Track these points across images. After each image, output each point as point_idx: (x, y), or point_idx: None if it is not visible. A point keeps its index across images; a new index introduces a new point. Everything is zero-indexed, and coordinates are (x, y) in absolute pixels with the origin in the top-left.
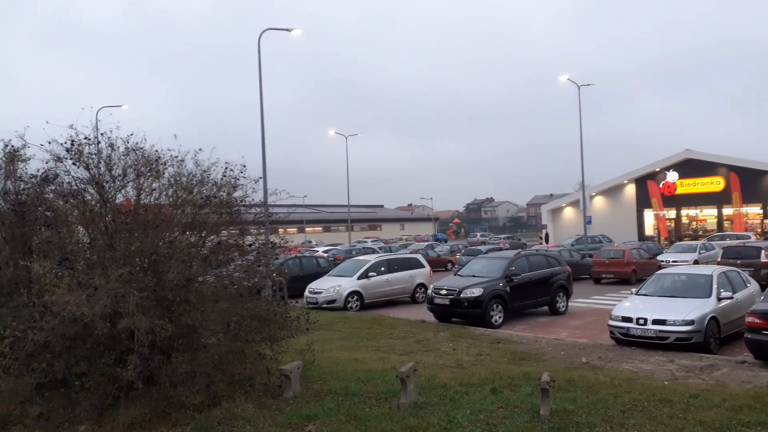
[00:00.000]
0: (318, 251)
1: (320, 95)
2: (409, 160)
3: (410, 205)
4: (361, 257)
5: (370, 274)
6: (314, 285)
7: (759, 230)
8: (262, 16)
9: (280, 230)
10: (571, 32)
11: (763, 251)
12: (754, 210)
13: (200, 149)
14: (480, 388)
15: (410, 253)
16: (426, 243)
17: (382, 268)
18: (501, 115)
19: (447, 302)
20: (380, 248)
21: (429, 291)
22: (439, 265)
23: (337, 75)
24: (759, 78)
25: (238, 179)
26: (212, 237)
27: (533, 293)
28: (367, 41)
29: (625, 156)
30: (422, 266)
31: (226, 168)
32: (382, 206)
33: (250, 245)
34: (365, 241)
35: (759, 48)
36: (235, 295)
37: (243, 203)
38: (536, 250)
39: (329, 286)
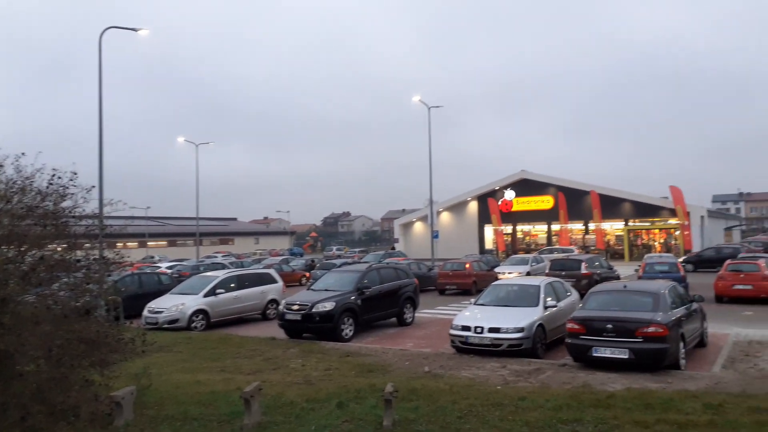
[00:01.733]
0: (161, 267)
1: (169, 102)
2: (265, 173)
3: (266, 218)
4: (208, 273)
5: (218, 291)
6: (154, 304)
7: (581, 244)
8: (108, 15)
9: (119, 244)
10: (423, 58)
11: (583, 263)
12: (578, 226)
13: (23, 153)
14: (327, 403)
15: (264, 268)
16: (281, 257)
17: (232, 285)
18: (358, 131)
19: (299, 318)
20: (231, 263)
21: (280, 307)
22: (293, 280)
23: (188, 82)
24: (584, 108)
25: (68, 187)
26: (34, 251)
27: (383, 305)
28: (221, 52)
29: (470, 175)
30: (275, 281)
31: (54, 175)
32: (235, 219)
33: (78, 261)
34: (215, 256)
35: (584, 82)
36: (60, 316)
37: (72, 214)
38: (387, 263)
39: (171, 305)
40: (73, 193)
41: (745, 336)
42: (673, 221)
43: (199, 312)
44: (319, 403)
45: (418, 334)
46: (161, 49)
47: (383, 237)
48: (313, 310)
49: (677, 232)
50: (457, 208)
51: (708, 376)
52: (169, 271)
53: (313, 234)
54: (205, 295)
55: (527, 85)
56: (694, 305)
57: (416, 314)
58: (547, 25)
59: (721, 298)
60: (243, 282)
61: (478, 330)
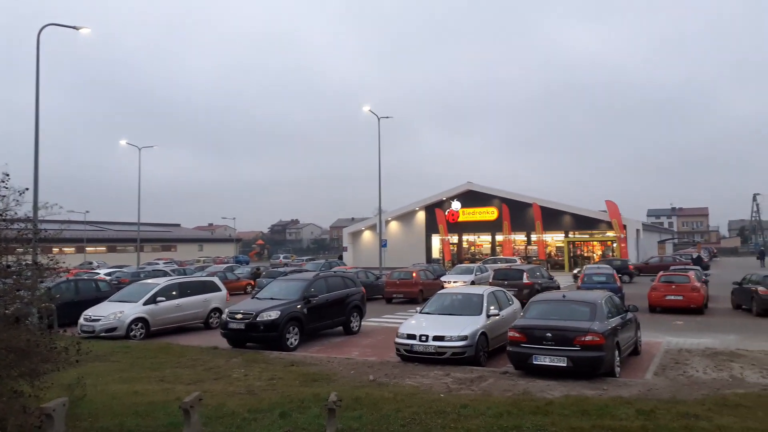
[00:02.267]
0: (99, 273)
1: (111, 104)
2: (211, 179)
3: (211, 225)
4: (149, 280)
5: (159, 298)
6: (91, 311)
7: (523, 255)
8: (48, 12)
9: (55, 249)
10: (370, 69)
11: (525, 273)
12: (520, 237)
13: None
14: (269, 413)
15: (207, 275)
16: (225, 265)
17: (173, 292)
18: (307, 140)
19: (242, 327)
20: (173, 270)
21: (224, 316)
22: (238, 288)
23: (131, 84)
24: (526, 124)
25: None
26: None
27: (330, 314)
28: (165, 55)
29: (418, 185)
30: (218, 290)
31: None
32: (178, 225)
33: (9, 266)
34: (157, 263)
35: (525, 98)
36: None
37: (3, 217)
38: (334, 272)
39: (109, 313)
40: (4, 195)
41: (675, 344)
42: (610, 234)
43: (138, 320)
44: (261, 413)
45: (364, 343)
46: (103, 49)
47: (332, 245)
48: (258, 319)
49: (614, 245)
50: (406, 217)
51: (641, 383)
52: (107, 277)
53: (260, 242)
54: (145, 303)
55: (471, 100)
56: (629, 315)
57: (363, 323)
58: (488, 42)
59: (654, 308)
60: (185, 290)
61: (423, 338)
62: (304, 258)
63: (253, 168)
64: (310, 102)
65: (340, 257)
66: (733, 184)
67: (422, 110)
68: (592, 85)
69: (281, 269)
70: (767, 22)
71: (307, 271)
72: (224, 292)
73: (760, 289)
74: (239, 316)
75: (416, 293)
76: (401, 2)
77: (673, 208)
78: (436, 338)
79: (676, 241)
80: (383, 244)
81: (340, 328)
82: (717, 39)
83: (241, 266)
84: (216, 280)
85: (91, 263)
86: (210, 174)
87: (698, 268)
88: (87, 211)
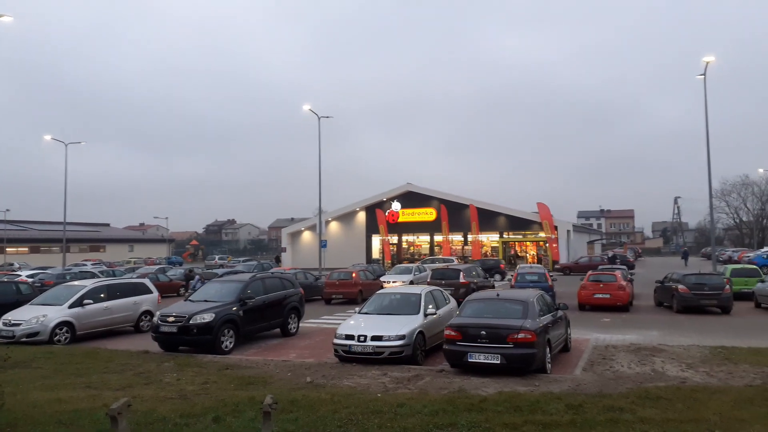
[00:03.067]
0: (21, 275)
1: (36, 98)
2: (142, 177)
3: (142, 224)
4: (75, 282)
5: (86, 301)
6: (11, 315)
7: (460, 255)
8: None
9: None
10: (310, 69)
11: (461, 273)
12: (458, 237)
13: None
14: (202, 417)
15: (138, 277)
16: (157, 266)
17: (101, 295)
18: (244, 138)
19: (174, 330)
20: (102, 272)
21: (155, 319)
22: (170, 290)
23: (58, 78)
24: (463, 127)
25: None
26: None
27: (267, 316)
28: (96, 49)
29: (359, 186)
30: (149, 292)
31: None
32: (108, 225)
33: None
34: (84, 264)
35: (462, 101)
36: None
37: None
38: (272, 273)
39: (31, 317)
40: None
41: (603, 341)
42: (543, 234)
43: (63, 324)
44: (193, 418)
45: (302, 345)
46: (29, 40)
47: (270, 246)
48: (191, 321)
49: (546, 245)
50: (346, 218)
51: (570, 379)
52: (30, 279)
53: (194, 242)
54: (71, 306)
55: (410, 102)
56: (560, 313)
57: (301, 324)
58: (426, 45)
59: (583, 306)
60: (114, 292)
61: (362, 339)
62: (240, 259)
63: (188, 167)
64: (247, 100)
65: (276, 258)
66: (656, 187)
67: (362, 111)
68: (526, 89)
69: (216, 271)
70: (685, 32)
71: (241, 272)
72: (155, 294)
73: (680, 287)
74: (171, 318)
75: (356, 294)
76: (340, 3)
77: (602, 210)
78: (374, 338)
79: (604, 241)
80: (323, 244)
81: (278, 330)
82: (640, 47)
83: (174, 267)
84: (147, 281)
85: (12, 264)
86: (142, 172)
87: (623, 267)
88: (7, 210)
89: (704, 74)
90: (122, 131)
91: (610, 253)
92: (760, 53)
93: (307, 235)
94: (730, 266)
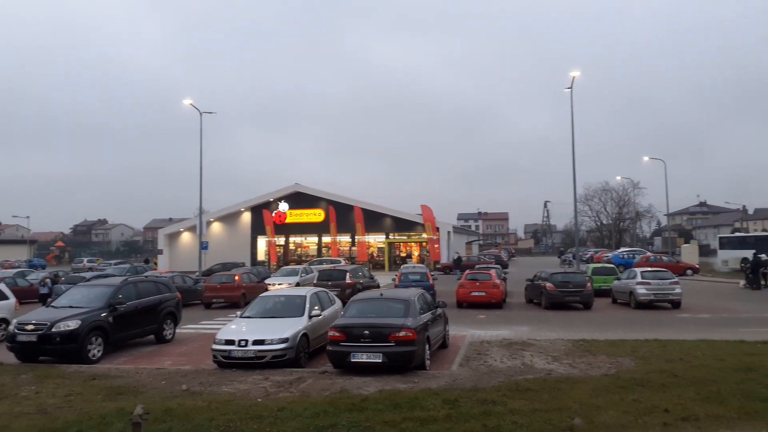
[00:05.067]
0: None
1: None
2: None
3: None
4: None
5: None
6: None
7: (348, 256)
8: None
9: None
10: (189, 66)
11: (348, 273)
12: (345, 239)
13: None
14: None
15: None
16: (16, 270)
17: None
18: (116, 135)
19: (34, 339)
20: None
21: (11, 327)
22: (31, 295)
23: None
24: (350, 129)
25: None
26: None
27: (140, 322)
28: None
29: (243, 186)
30: (5, 297)
31: None
32: None
33: None
34: None
35: (347, 104)
36: None
37: None
38: (146, 276)
39: None
40: None
41: (478, 337)
42: (425, 235)
43: None
44: None
45: (178, 351)
46: None
47: (146, 248)
48: (53, 329)
49: (429, 245)
50: (230, 218)
51: (447, 375)
52: None
53: (60, 243)
54: None
55: (293, 102)
56: (439, 310)
57: (178, 330)
58: (304, 48)
59: (461, 304)
60: None
61: (242, 343)
62: (112, 262)
63: (51, 163)
64: (117, 96)
65: (147, 261)
66: (529, 191)
67: (245, 109)
68: (402, 94)
69: (84, 274)
70: (552, 47)
71: (112, 276)
72: (12, 300)
73: (548, 285)
74: (30, 327)
75: (238, 297)
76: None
77: (479, 213)
78: (256, 342)
79: (481, 242)
80: (204, 246)
81: (152, 337)
82: (509, 60)
83: (35, 271)
84: (2, 286)
85: None
86: None
87: (498, 266)
88: None
89: (571, 87)
90: None
91: (459, 256)
92: (618, 68)
93: (186, 237)
94: (592, 265)
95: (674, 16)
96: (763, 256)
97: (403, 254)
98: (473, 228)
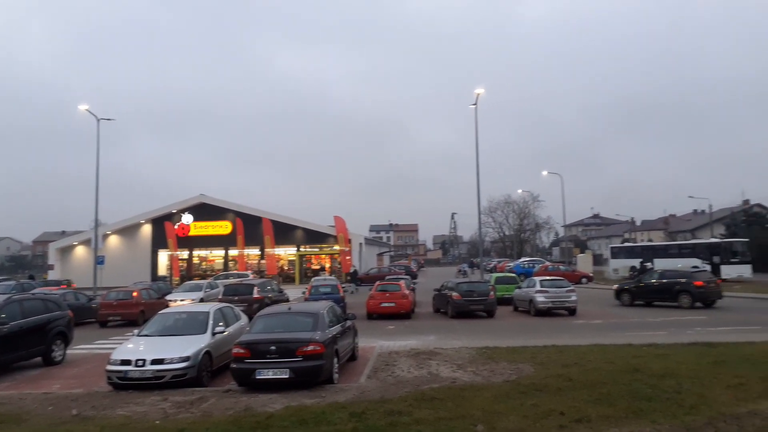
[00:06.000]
0: None
1: None
2: None
3: None
4: None
5: None
6: None
7: (256, 269)
8: None
9: None
10: (81, 72)
11: (255, 288)
12: (254, 251)
13: None
14: None
15: None
16: None
17: None
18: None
19: None
20: None
21: None
22: None
23: None
24: (252, 139)
25: None
26: None
27: (25, 343)
28: None
29: (145, 197)
30: None
31: None
32: None
33: None
34: None
35: (255, 115)
36: None
37: None
38: (33, 294)
39: None
40: None
41: (387, 347)
42: (337, 247)
43: None
44: None
45: (68, 374)
46: None
47: (35, 263)
48: None
49: (341, 257)
50: (129, 231)
51: (355, 387)
52: None
53: None
54: None
55: (196, 112)
56: (349, 323)
57: (70, 351)
58: (206, 56)
59: (371, 315)
60: None
61: (140, 363)
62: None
63: None
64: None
65: (32, 277)
66: (437, 202)
67: (145, 115)
68: (313, 105)
69: None
70: (457, 64)
71: None
72: None
73: (454, 294)
74: None
75: (136, 315)
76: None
77: (391, 224)
78: (155, 361)
79: (392, 253)
80: (99, 261)
81: (40, 359)
82: (414, 73)
83: None
84: None
85: None
86: None
87: (408, 276)
88: None
89: (476, 104)
90: None
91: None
92: (520, 87)
93: (80, 251)
94: (495, 275)
95: (567, 39)
96: (649, 265)
97: (315, 267)
98: (385, 239)
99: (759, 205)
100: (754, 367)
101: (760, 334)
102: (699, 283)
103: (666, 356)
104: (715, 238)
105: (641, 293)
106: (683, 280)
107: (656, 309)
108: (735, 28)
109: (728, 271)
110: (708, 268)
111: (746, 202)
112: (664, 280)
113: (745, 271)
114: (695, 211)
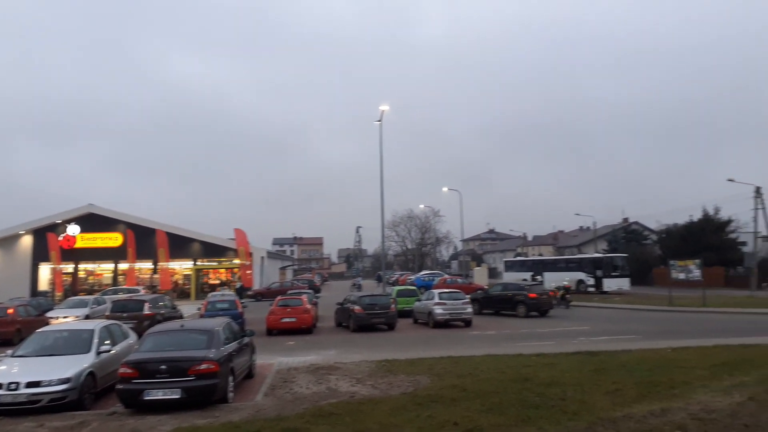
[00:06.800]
0: None
1: None
2: None
3: None
4: None
5: None
6: None
7: (149, 284)
8: None
9: None
10: None
11: (146, 304)
12: (147, 265)
13: None
14: None
15: None
16: None
17: None
18: None
19: None
20: None
21: None
22: None
23: None
24: (141, 149)
25: None
26: None
27: None
28: None
29: (25, 207)
30: None
31: None
32: None
33: None
34: None
35: (141, 125)
36: None
37: None
38: None
39: None
40: None
41: (286, 364)
42: (237, 261)
43: None
44: None
45: None
46: None
47: None
48: None
49: (240, 271)
50: (6, 242)
51: (251, 405)
52: None
53: None
54: None
55: (78, 118)
56: (246, 340)
57: None
58: (86, 62)
59: (271, 331)
60: None
61: (12, 386)
62: None
63: None
64: None
65: None
66: (342, 216)
67: (23, 119)
68: (209, 114)
69: None
70: (358, 78)
71: None
72: None
73: (356, 308)
74: None
75: (12, 333)
76: None
77: (295, 237)
78: (30, 384)
79: (296, 267)
80: None
81: None
82: (317, 86)
83: None
84: None
85: None
86: None
87: (310, 291)
88: None
89: (380, 120)
90: None
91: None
92: (421, 105)
93: None
94: (396, 288)
95: (462, 57)
96: (539, 278)
97: (212, 281)
98: (289, 253)
99: (637, 223)
100: (630, 373)
101: (636, 342)
102: (533, 295)
103: (553, 365)
104: (599, 253)
105: (488, 303)
106: (520, 293)
107: (502, 317)
108: (606, 58)
109: (609, 284)
110: (592, 281)
111: (626, 219)
112: (506, 292)
113: (624, 284)
114: (581, 227)
